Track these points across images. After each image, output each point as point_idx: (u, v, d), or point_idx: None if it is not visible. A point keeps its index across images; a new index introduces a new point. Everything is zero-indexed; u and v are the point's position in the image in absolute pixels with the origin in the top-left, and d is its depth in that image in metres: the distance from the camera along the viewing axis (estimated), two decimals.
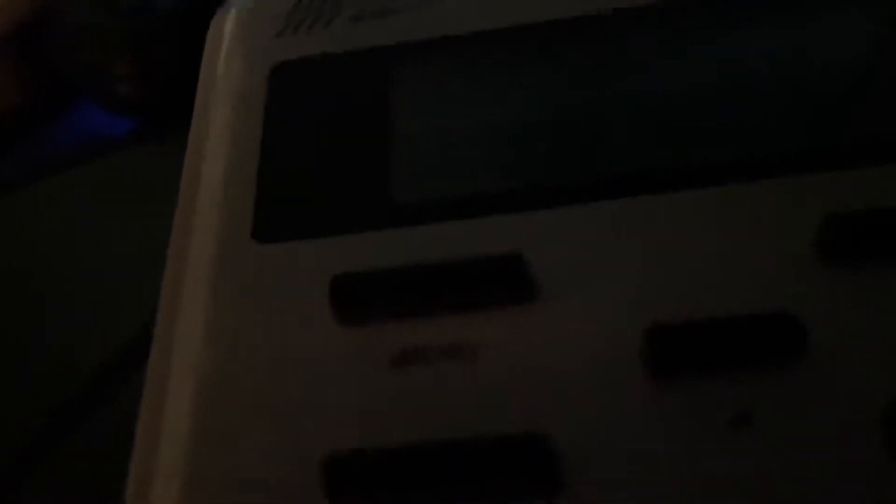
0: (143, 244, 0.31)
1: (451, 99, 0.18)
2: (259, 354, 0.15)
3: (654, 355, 0.13)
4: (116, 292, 0.30)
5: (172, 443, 0.14)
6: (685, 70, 0.16)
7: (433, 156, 0.17)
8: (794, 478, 0.12)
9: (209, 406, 0.14)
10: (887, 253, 0.13)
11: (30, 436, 0.27)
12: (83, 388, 0.28)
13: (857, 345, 0.13)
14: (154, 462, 0.14)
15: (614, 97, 0.16)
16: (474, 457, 0.13)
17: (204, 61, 0.20)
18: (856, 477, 0.12)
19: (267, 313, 0.15)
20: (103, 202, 0.35)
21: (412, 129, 0.17)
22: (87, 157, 0.40)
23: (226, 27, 0.20)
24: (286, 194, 0.17)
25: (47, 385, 0.28)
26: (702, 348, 0.13)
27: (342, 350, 0.14)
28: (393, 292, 0.14)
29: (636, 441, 0.13)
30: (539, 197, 0.15)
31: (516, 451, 0.13)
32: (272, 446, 0.14)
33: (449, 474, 0.13)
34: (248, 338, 0.15)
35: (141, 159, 0.38)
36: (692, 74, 0.16)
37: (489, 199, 0.16)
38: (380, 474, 0.13)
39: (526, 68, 0.17)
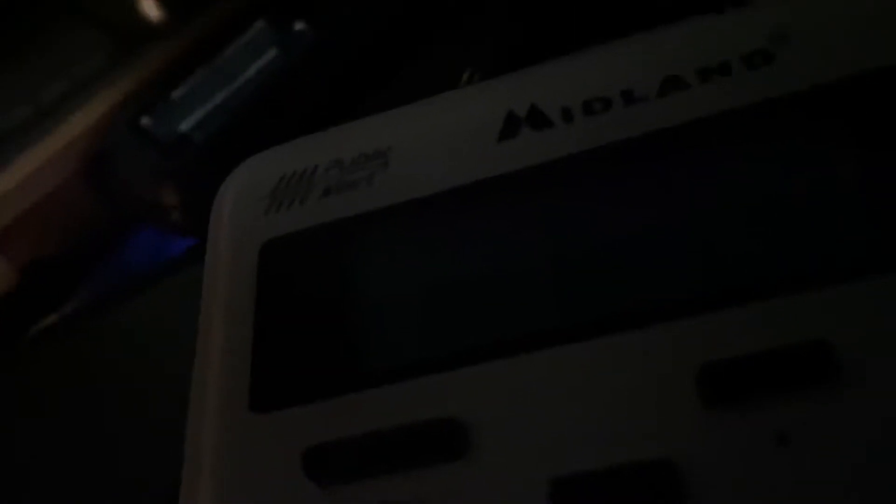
0: None
1: (406, 262, 0.21)
2: None
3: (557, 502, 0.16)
4: None
5: None
6: (596, 228, 0.19)
7: (391, 320, 0.20)
8: None
9: None
10: (758, 396, 0.16)
11: None
12: None
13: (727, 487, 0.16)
14: None
15: (531, 256, 0.19)
16: None
17: (209, 235, 0.24)
18: None
19: (260, 476, 0.19)
20: (172, 321, 0.38)
21: (374, 294, 0.20)
22: (152, 278, 0.43)
23: (224, 205, 0.24)
24: (274, 367, 0.20)
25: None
26: (594, 498, 0.16)
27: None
28: (355, 459, 0.18)
29: None
30: (469, 356, 0.18)
31: None
32: None
33: None
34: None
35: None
36: (606, 232, 0.19)
37: (431, 361, 0.19)
38: None
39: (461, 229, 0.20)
